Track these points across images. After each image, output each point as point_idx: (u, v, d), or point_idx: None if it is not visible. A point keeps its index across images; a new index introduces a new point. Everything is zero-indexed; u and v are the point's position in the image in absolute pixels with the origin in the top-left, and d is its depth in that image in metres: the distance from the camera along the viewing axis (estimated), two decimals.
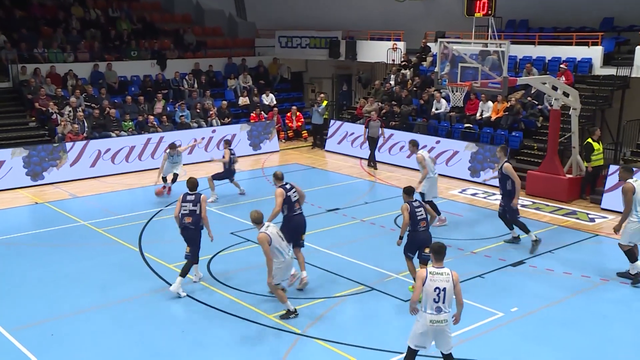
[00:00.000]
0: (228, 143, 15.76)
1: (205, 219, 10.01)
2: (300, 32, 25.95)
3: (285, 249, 9.09)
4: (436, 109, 19.94)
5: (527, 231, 11.82)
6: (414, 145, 13.03)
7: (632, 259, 10.39)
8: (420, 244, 9.85)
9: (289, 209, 10.03)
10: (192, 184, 10.25)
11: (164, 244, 12.27)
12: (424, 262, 9.76)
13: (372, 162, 18.91)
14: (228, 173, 15.56)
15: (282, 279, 9.18)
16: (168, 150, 15.43)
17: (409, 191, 9.95)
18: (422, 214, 9.85)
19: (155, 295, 9.96)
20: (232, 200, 15.36)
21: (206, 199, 10.20)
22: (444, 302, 7.05)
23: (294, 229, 10.04)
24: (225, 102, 22.29)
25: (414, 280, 9.99)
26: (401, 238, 9.91)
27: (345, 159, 20.42)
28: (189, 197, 10.08)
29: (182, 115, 20.65)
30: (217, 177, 15.45)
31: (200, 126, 20.87)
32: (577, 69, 18.76)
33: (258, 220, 9.02)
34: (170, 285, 10.10)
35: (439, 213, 13.01)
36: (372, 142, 18.85)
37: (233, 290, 10.14)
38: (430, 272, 7.11)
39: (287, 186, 10.15)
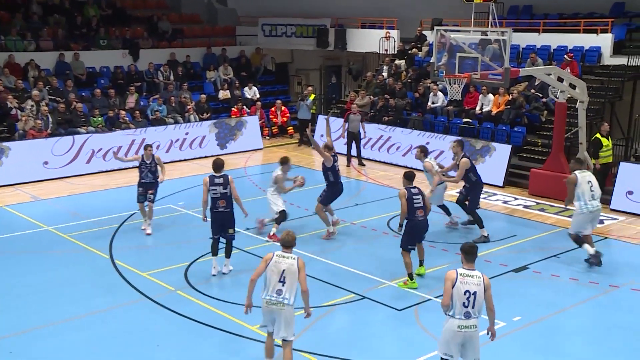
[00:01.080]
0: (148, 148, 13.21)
1: (238, 199, 10.61)
2: (286, 20, 25.95)
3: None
4: (432, 103, 20.01)
5: (480, 226, 12.43)
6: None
7: (580, 243, 11.52)
8: (419, 233, 10.53)
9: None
10: (218, 164, 10.59)
11: (137, 250, 12.22)
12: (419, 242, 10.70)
13: (351, 159, 18.95)
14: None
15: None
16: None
17: (409, 176, 10.41)
18: (419, 202, 10.35)
19: (130, 307, 9.91)
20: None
21: (233, 179, 10.62)
22: (473, 307, 7.04)
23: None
24: (204, 96, 22.24)
25: (409, 277, 10.42)
26: (401, 226, 10.44)
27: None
28: (217, 180, 10.53)
29: (156, 110, 20.57)
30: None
31: (176, 122, 20.81)
32: (585, 59, 18.89)
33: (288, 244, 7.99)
34: (145, 296, 10.10)
35: (449, 214, 13.35)
36: (352, 138, 18.84)
37: (213, 300, 10.12)
38: (460, 274, 7.08)
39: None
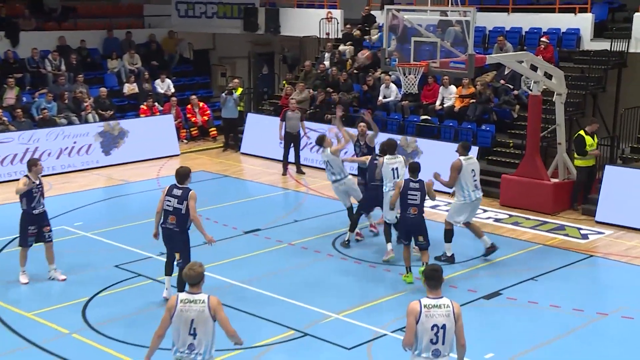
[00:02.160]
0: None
1: (196, 220, 10.51)
2: None
3: None
4: (384, 97, 20.15)
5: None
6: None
7: (448, 239, 12.70)
8: (410, 230, 11.74)
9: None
10: (180, 174, 10.68)
11: (19, 284, 11.86)
12: (422, 249, 11.81)
13: (287, 166, 18.96)
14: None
15: None
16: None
17: (413, 169, 11.72)
18: (414, 199, 11.57)
19: (10, 359, 9.59)
20: (115, 221, 15.02)
21: (195, 196, 10.54)
22: (443, 344, 6.98)
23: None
24: (104, 90, 21.85)
25: (407, 270, 11.83)
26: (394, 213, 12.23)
27: (266, 163, 20.34)
28: (175, 192, 10.60)
29: (44, 109, 20.06)
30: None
31: (70, 123, 20.37)
32: (562, 43, 19.36)
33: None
34: (31, 342, 9.86)
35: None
36: (291, 139, 18.81)
37: (115, 342, 9.90)
38: (425, 306, 6.97)
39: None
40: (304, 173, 18.98)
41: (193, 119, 22.83)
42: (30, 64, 22.41)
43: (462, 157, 12.68)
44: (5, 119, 19.36)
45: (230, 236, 14.06)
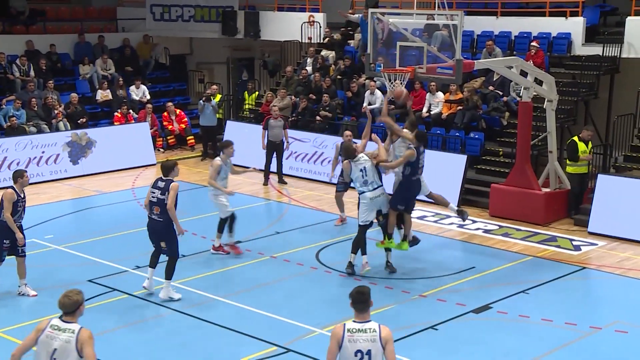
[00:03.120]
0: None
1: (171, 210, 11.32)
2: (182, 0, 25.80)
3: None
4: (369, 104, 20.24)
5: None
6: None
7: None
8: (412, 194, 12.84)
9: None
10: (165, 166, 11.70)
11: None
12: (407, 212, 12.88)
13: (269, 176, 19.00)
14: None
15: None
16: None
17: (421, 136, 12.81)
18: (423, 163, 12.75)
19: None
20: (88, 234, 14.97)
21: (178, 187, 11.47)
22: None
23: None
24: (75, 96, 21.78)
25: (387, 237, 12.81)
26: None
27: (247, 173, 20.27)
28: (159, 183, 11.55)
29: (12, 116, 19.99)
30: None
31: (40, 131, 20.31)
32: (553, 48, 19.54)
33: None
34: None
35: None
36: (274, 148, 18.87)
37: None
38: (349, 330, 6.83)
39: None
40: (285, 183, 19.02)
41: (170, 126, 22.84)
42: None
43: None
44: None
45: (210, 249, 14.05)
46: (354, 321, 6.91)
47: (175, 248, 11.66)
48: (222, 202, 13.59)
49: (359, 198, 12.86)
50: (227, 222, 13.70)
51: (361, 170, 12.61)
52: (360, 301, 6.94)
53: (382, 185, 12.68)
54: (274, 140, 18.74)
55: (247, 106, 22.90)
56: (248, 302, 11.67)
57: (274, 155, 18.93)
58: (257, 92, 23.22)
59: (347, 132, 15.69)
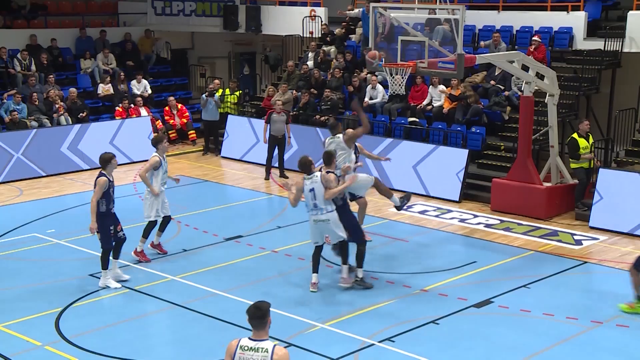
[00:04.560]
0: None
1: (92, 204, 11.47)
2: None
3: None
4: (371, 98, 20.23)
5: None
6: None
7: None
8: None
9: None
10: (101, 159, 11.72)
11: None
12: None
13: (270, 171, 18.96)
14: None
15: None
16: None
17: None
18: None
19: None
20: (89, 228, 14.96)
21: (101, 182, 11.45)
22: None
23: None
24: (74, 90, 21.75)
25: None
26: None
27: (248, 168, 20.36)
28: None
29: (13, 111, 19.99)
30: None
31: (42, 125, 20.30)
32: (554, 43, 19.50)
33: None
34: (0, 355, 9.83)
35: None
36: (275, 142, 18.85)
37: (91, 355, 9.87)
38: (241, 347, 6.50)
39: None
40: (287, 177, 18.98)
41: (171, 121, 22.82)
42: None
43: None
44: None
45: (211, 243, 14.03)
46: (249, 338, 6.53)
47: (103, 241, 11.72)
48: (148, 201, 12.87)
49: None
50: (155, 226, 13.07)
51: (311, 190, 11.64)
52: (256, 317, 6.51)
53: (332, 211, 11.62)
54: (276, 134, 18.73)
55: (228, 103, 22.66)
56: (249, 296, 11.57)
57: (276, 149, 18.92)
58: (239, 92, 23.04)
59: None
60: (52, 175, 19.35)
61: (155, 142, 13.13)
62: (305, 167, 11.76)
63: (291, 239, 14.37)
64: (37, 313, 11.09)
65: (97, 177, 11.60)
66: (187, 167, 20.41)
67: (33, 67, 22.41)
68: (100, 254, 11.87)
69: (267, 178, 18.98)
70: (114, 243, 11.89)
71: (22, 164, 18.99)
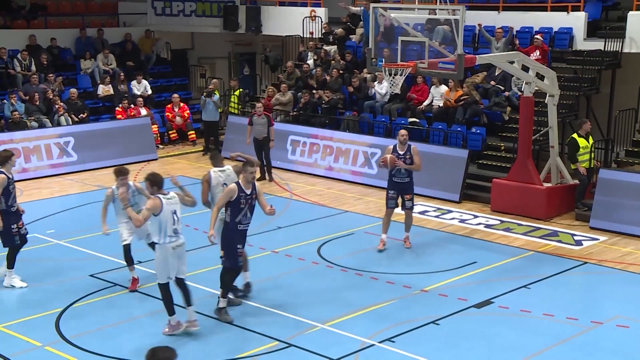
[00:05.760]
0: None
1: None
2: None
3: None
4: (371, 98, 20.22)
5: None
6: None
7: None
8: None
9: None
10: (1, 156, 11.66)
11: None
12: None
13: (266, 172, 18.93)
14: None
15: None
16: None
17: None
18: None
19: None
20: (90, 229, 14.95)
21: (2, 180, 11.37)
22: None
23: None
24: (74, 91, 21.76)
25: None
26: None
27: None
28: None
29: (14, 111, 20.03)
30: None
31: (42, 126, 20.33)
32: (554, 43, 19.50)
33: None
34: (2, 356, 9.85)
35: None
36: (258, 145, 18.66)
37: (91, 355, 9.87)
38: None
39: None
40: (272, 180, 18.89)
41: (171, 120, 22.78)
42: None
43: (216, 169, 11.49)
44: None
45: (211, 244, 13.98)
46: None
47: (5, 239, 11.82)
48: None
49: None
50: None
51: (173, 212, 10.08)
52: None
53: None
54: (257, 137, 18.59)
55: (231, 103, 22.75)
56: (249, 297, 11.66)
57: (262, 152, 18.73)
58: (240, 90, 23.05)
59: (403, 132, 13.78)
60: (52, 175, 19.35)
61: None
62: (157, 183, 10.09)
63: (291, 240, 14.38)
64: (37, 314, 11.09)
65: None
66: (187, 167, 20.40)
67: (33, 68, 22.42)
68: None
69: (261, 178, 18.77)
70: (18, 241, 11.92)
71: (23, 164, 19.04)
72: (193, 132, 23.05)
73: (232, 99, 22.59)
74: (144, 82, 23.47)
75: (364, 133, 19.51)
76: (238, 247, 10.66)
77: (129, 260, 11.94)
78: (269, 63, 24.62)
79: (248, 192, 10.53)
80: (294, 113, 20.89)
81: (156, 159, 21.23)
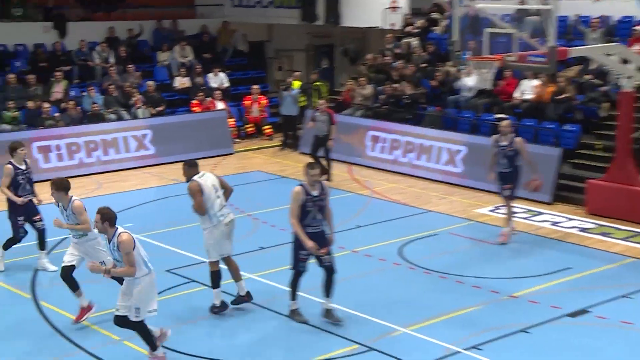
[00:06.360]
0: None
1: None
2: None
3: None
4: (458, 88, 19.87)
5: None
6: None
7: (216, 283, 10.89)
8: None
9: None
10: (9, 147, 12.25)
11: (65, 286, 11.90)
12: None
13: (329, 170, 18.62)
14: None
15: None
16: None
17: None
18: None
19: None
20: (167, 223, 15.09)
21: (8, 170, 12.08)
22: None
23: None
24: (151, 84, 22.04)
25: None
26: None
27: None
28: None
29: (94, 103, 20.40)
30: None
31: (120, 118, 20.63)
32: None
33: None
34: (80, 347, 9.99)
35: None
36: (319, 143, 18.33)
37: (167, 352, 9.82)
38: None
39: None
40: (329, 180, 18.55)
41: (250, 113, 22.77)
42: (78, 56, 22.75)
43: (196, 177, 10.88)
44: (56, 113, 19.80)
45: (288, 242, 13.87)
46: None
47: (12, 228, 12.45)
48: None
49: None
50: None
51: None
52: None
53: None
54: (318, 134, 18.31)
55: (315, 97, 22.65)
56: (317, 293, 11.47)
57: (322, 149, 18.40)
58: (321, 83, 22.91)
59: (506, 122, 14.51)
60: (130, 169, 19.65)
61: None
62: (112, 220, 9.39)
63: (371, 239, 14.22)
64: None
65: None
66: (264, 162, 20.44)
67: (112, 60, 22.78)
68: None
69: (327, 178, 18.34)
70: (23, 234, 12.45)
71: (101, 157, 19.45)
72: (269, 126, 23.03)
73: (322, 89, 22.41)
74: (221, 74, 23.60)
75: (448, 129, 19.19)
76: (301, 252, 10.53)
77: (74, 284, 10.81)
78: (348, 56, 24.52)
79: (315, 193, 10.38)
80: (375, 107, 20.64)
81: (232, 153, 21.31)
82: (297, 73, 22.70)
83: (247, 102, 22.93)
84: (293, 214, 10.39)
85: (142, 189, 17.90)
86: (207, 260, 10.95)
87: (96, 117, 20.24)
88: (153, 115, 21.10)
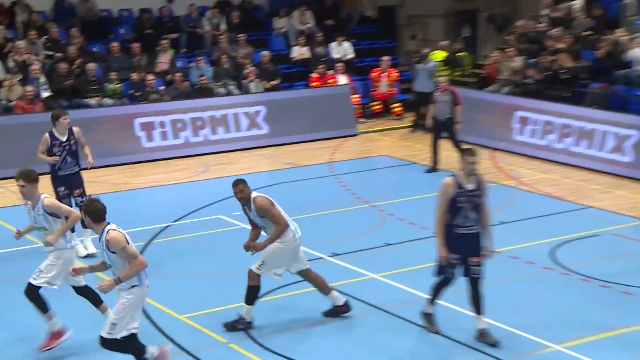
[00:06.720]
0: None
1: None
2: None
3: None
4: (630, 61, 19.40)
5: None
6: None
7: (252, 300, 10.70)
8: None
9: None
10: (51, 115, 12.96)
11: (171, 281, 12.27)
12: None
13: (497, 153, 18.41)
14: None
15: None
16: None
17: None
18: None
19: None
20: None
21: (44, 139, 12.74)
22: None
23: None
24: (266, 54, 22.22)
25: None
26: None
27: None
28: None
29: (201, 76, 20.73)
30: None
31: (229, 93, 20.90)
32: None
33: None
34: (184, 349, 10.17)
35: None
36: (440, 127, 18.05)
37: (278, 357, 10.03)
38: None
39: None
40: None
41: (376, 89, 22.74)
42: (187, 23, 23.18)
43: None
44: (161, 86, 20.32)
45: (419, 237, 13.85)
46: None
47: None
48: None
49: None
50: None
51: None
52: None
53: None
54: (439, 117, 17.95)
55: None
56: (459, 303, 11.29)
57: (443, 135, 18.13)
58: (465, 53, 22.67)
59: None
60: (240, 150, 19.96)
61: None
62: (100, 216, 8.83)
63: (517, 238, 14.02)
64: (222, 306, 11.35)
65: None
66: (392, 145, 20.44)
67: (223, 26, 23.11)
68: None
69: (434, 170, 18.09)
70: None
71: (209, 137, 19.90)
72: (398, 104, 22.94)
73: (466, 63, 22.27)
74: (345, 44, 23.66)
75: (616, 110, 18.74)
76: (453, 257, 10.26)
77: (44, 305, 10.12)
78: (494, 23, 24.25)
79: (470, 187, 10.12)
80: (525, 83, 20.25)
81: (355, 135, 21.33)
82: (443, 43, 22.48)
83: (374, 76, 22.93)
84: (440, 209, 10.21)
85: (252, 173, 18.10)
86: (255, 271, 10.61)
87: (204, 92, 20.59)
88: (267, 90, 21.33)
